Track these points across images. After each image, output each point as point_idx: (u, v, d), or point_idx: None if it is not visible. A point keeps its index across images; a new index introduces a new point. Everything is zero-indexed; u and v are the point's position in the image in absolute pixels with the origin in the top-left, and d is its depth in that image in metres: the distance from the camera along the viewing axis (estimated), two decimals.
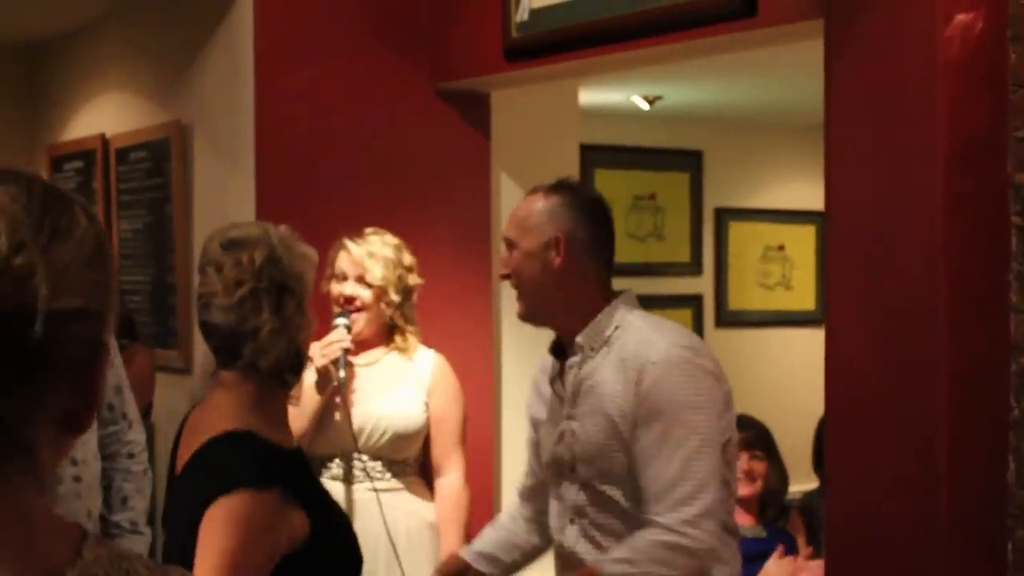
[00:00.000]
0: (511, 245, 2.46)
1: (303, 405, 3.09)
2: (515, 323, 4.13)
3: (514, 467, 3.90)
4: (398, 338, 3.28)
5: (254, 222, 2.13)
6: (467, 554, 2.69)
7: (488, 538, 2.70)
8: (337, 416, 3.17)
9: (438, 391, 3.28)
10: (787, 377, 6.75)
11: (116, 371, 2.92)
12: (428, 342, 3.44)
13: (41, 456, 0.91)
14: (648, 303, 6.98)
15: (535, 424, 2.59)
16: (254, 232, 2.02)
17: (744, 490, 3.93)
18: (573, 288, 2.42)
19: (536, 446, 2.60)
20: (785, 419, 5.49)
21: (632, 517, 2.33)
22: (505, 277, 2.50)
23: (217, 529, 1.82)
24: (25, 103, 5.15)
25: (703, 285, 6.67)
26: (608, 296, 2.44)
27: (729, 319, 6.73)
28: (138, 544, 2.91)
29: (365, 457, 3.18)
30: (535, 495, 2.64)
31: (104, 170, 4.50)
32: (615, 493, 2.36)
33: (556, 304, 2.43)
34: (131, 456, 2.95)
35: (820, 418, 3.69)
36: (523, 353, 4.04)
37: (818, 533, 3.83)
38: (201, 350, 3.93)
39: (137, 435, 2.97)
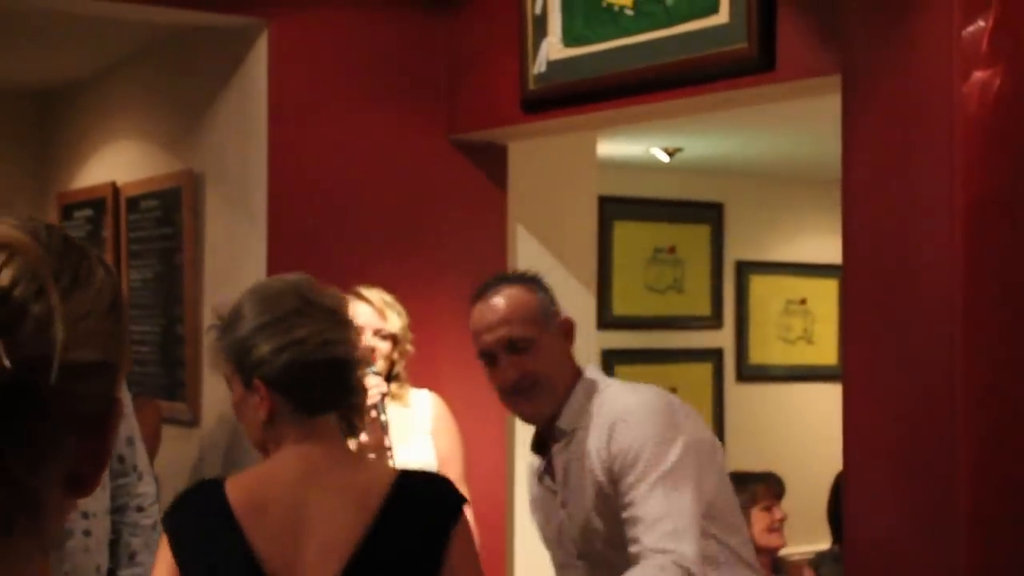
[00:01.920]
0: (526, 344, 2.31)
1: None
2: None
3: (526, 509, 3.91)
4: (394, 387, 3.31)
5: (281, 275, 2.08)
6: None
7: None
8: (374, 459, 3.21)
9: (441, 432, 3.35)
10: (808, 433, 6.74)
11: (128, 422, 2.94)
12: (442, 390, 3.48)
13: (46, 518, 0.87)
14: (668, 357, 6.98)
15: (541, 529, 2.54)
16: (305, 277, 2.02)
17: (779, 540, 3.97)
18: (569, 375, 2.37)
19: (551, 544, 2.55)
20: (806, 475, 5.48)
21: None
22: (513, 384, 2.32)
23: (468, 550, 1.93)
24: (36, 149, 5.23)
25: (724, 339, 6.68)
26: (576, 371, 2.39)
27: (750, 373, 6.74)
28: None
29: None
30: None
31: (114, 218, 4.57)
32: (614, 559, 2.31)
33: (561, 395, 2.34)
34: (140, 509, 2.95)
35: (837, 475, 3.69)
36: None
37: None
38: (210, 402, 3.97)
39: (147, 488, 2.97)
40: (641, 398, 2.30)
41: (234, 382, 1.97)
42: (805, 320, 6.94)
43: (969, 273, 2.24)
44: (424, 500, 1.93)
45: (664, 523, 2.17)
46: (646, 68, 3.20)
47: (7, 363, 0.81)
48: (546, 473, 2.40)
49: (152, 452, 3.42)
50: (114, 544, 2.92)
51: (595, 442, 2.28)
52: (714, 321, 6.65)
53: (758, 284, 6.80)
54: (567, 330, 2.38)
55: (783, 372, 6.85)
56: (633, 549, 2.18)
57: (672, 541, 2.15)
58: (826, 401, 6.91)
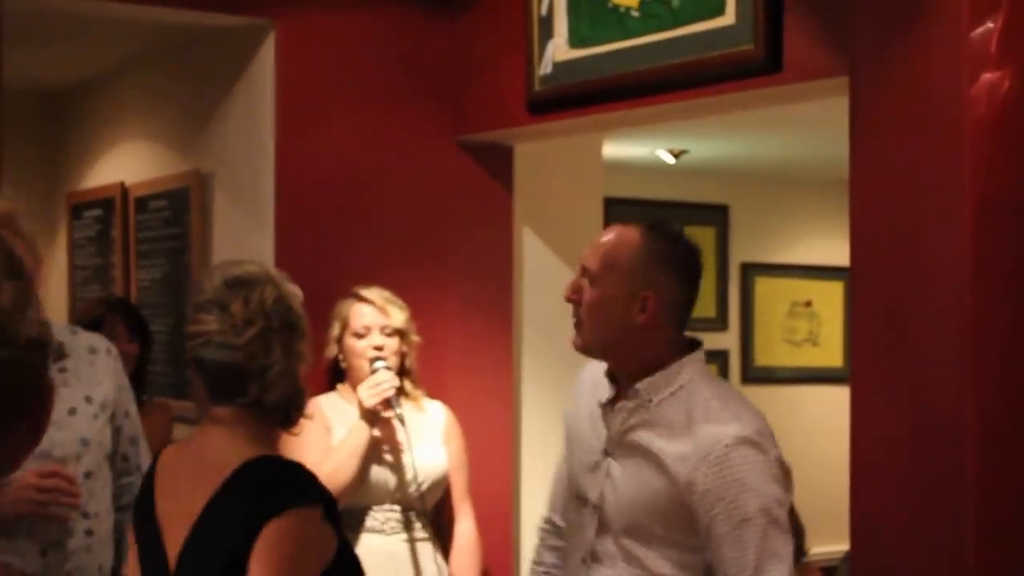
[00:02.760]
0: (590, 277, 2.27)
1: (345, 451, 3.12)
2: (535, 375, 4.15)
3: (533, 518, 3.88)
4: (408, 385, 3.29)
5: (247, 261, 2.14)
6: None
7: None
8: (391, 468, 3.19)
9: (451, 441, 3.34)
10: (814, 434, 6.70)
11: (132, 422, 2.91)
12: (449, 394, 3.46)
13: None
14: None
15: (568, 436, 2.46)
16: (255, 270, 2.07)
17: None
18: (646, 343, 2.26)
19: (567, 466, 2.47)
20: (812, 476, 5.44)
21: (669, 554, 2.24)
22: (572, 302, 2.30)
23: (273, 550, 1.89)
24: (46, 150, 5.21)
25: (729, 341, 6.64)
26: (676, 350, 2.28)
27: (756, 375, 6.70)
28: None
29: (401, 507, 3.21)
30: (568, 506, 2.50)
31: (123, 219, 4.54)
32: (640, 552, 2.27)
33: (619, 350, 2.27)
34: None
35: (841, 559, 3.65)
36: (544, 407, 4.03)
37: None
38: None
39: None
40: (742, 425, 2.18)
41: None
42: (810, 322, 6.90)
43: (978, 275, 2.20)
44: (255, 485, 1.96)
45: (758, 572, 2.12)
46: (652, 70, 3.17)
47: None
48: (610, 407, 2.32)
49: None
50: (119, 542, 2.89)
51: (678, 444, 2.19)
52: (719, 323, 6.62)
53: (763, 286, 6.76)
54: (644, 303, 2.23)
55: (789, 374, 6.81)
56: None
57: None
58: (832, 403, 6.87)
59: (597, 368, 2.40)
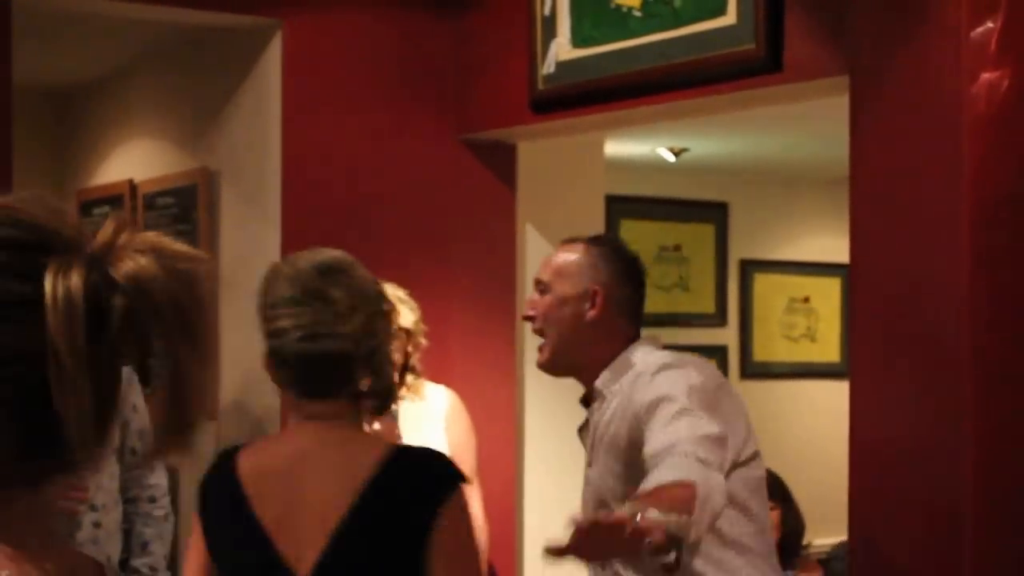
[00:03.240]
0: (544, 288, 2.42)
1: None
2: (539, 376, 4.14)
3: (535, 510, 3.90)
4: (410, 379, 3.30)
5: (319, 248, 2.01)
6: None
7: None
8: None
9: (454, 426, 3.35)
10: (812, 429, 6.71)
11: (140, 416, 2.94)
12: (453, 387, 3.47)
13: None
14: None
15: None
16: (340, 255, 1.97)
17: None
18: (600, 342, 2.38)
19: None
20: (809, 470, 5.45)
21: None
22: (529, 319, 2.45)
23: (458, 528, 1.89)
24: (56, 147, 5.21)
25: (728, 336, 6.65)
26: (618, 342, 2.40)
27: (754, 371, 6.70)
28: None
29: None
30: None
31: (132, 215, 4.55)
32: None
33: (580, 355, 2.39)
34: (152, 500, 2.96)
35: (834, 546, 3.63)
36: (546, 401, 4.04)
37: None
38: (227, 395, 3.95)
39: (159, 479, 2.98)
40: (673, 358, 2.30)
41: None
42: (808, 318, 6.90)
43: (976, 272, 2.21)
44: (414, 475, 1.91)
45: (689, 437, 2.04)
46: (654, 69, 3.17)
47: None
48: (584, 430, 2.43)
49: None
50: (127, 534, 2.93)
51: (621, 400, 2.29)
52: (718, 319, 6.62)
53: (762, 282, 6.76)
54: (592, 296, 2.37)
55: (787, 369, 6.81)
56: (652, 447, 2.08)
57: (690, 445, 2.02)
58: (829, 398, 6.87)
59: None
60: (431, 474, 1.92)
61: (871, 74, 2.46)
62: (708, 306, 6.58)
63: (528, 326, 3.96)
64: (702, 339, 6.49)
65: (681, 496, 1.86)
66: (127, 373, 2.90)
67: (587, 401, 2.46)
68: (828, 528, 4.27)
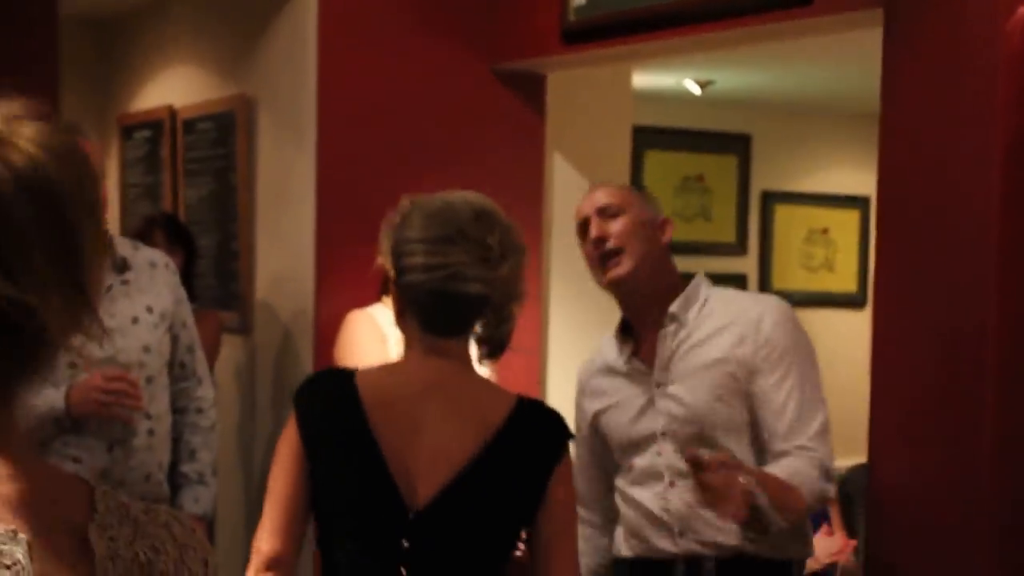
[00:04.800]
0: (615, 212, 2.38)
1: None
2: (564, 301, 4.13)
3: None
4: None
5: (464, 191, 1.96)
6: None
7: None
8: None
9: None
10: (829, 355, 6.66)
11: (189, 331, 2.97)
12: None
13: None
14: None
15: (595, 417, 2.50)
16: (488, 201, 1.94)
17: None
18: (669, 270, 2.43)
19: (593, 440, 2.51)
20: (826, 396, 5.43)
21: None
22: (601, 242, 2.36)
23: (568, 487, 1.91)
24: (98, 75, 5.18)
25: (748, 265, 6.61)
26: (683, 279, 2.45)
27: None
28: (204, 493, 2.97)
29: None
30: (602, 496, 2.54)
31: (171, 140, 4.52)
32: (726, 443, 2.32)
33: (655, 275, 2.39)
34: (200, 411, 2.99)
35: (848, 469, 3.60)
36: (570, 328, 4.02)
37: (853, 509, 3.78)
38: (261, 311, 3.95)
39: (206, 392, 3.01)
40: (772, 300, 2.42)
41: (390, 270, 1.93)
42: (827, 249, 6.84)
43: (1006, 206, 2.15)
44: (538, 430, 1.91)
45: (804, 429, 2.26)
46: (684, 1, 3.10)
47: None
48: (634, 356, 2.42)
49: (211, 360, 3.45)
50: (176, 442, 2.97)
51: (725, 333, 2.32)
52: (739, 248, 6.57)
53: (782, 213, 6.70)
54: (663, 225, 2.41)
55: (804, 298, 6.76)
56: (778, 447, 2.27)
57: (811, 443, 2.25)
58: (845, 326, 6.85)
59: (596, 351, 2.54)
60: (552, 431, 1.92)
61: (906, 7, 2.39)
62: (729, 236, 6.53)
63: (554, 250, 3.98)
64: (722, 268, 6.45)
65: (790, 502, 2.13)
66: (178, 292, 2.94)
67: (626, 329, 2.45)
68: (844, 450, 4.25)
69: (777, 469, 2.20)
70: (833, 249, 6.85)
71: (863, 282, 6.89)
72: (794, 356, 2.31)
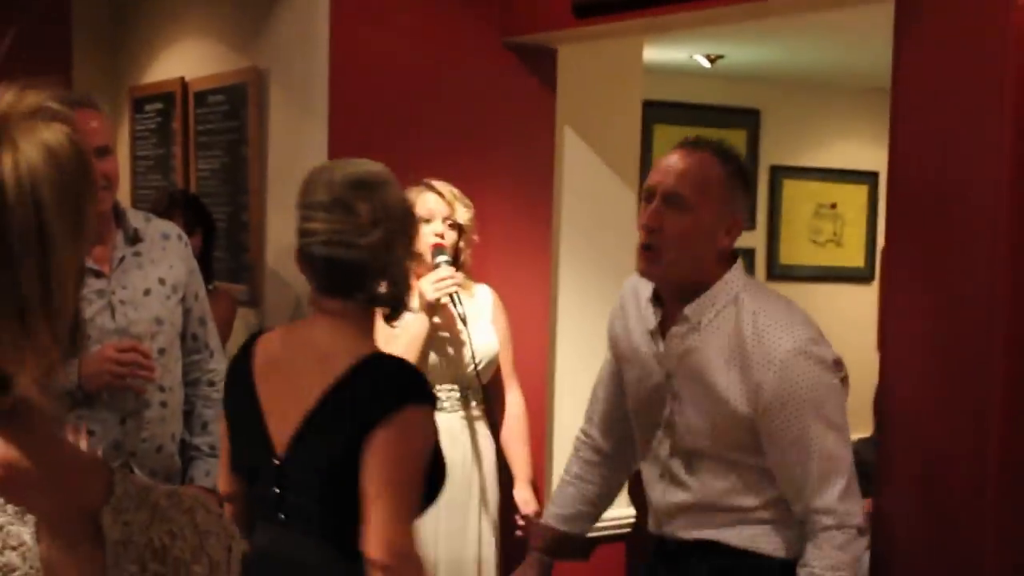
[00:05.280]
0: (681, 204, 2.13)
1: (408, 337, 3.11)
2: (573, 271, 4.13)
3: (566, 407, 3.90)
4: (460, 276, 3.29)
5: (362, 160, 2.06)
6: (553, 521, 2.56)
7: (567, 496, 2.57)
8: (450, 350, 3.23)
9: (499, 320, 3.41)
10: (835, 330, 6.66)
11: (202, 304, 2.96)
12: (491, 284, 3.49)
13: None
14: None
15: (619, 355, 2.39)
16: (377, 170, 2.02)
17: None
18: (714, 266, 2.20)
19: (616, 378, 2.43)
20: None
21: (735, 471, 2.24)
22: (649, 231, 2.15)
23: (393, 444, 1.89)
24: (110, 46, 5.16)
25: (756, 239, 6.59)
26: (722, 264, 2.21)
27: (780, 273, 6.66)
28: (216, 466, 2.96)
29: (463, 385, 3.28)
30: (614, 427, 2.49)
31: (183, 112, 4.51)
32: (706, 471, 2.25)
33: (690, 275, 2.18)
34: (211, 384, 2.99)
35: (857, 440, 3.57)
36: (579, 301, 4.02)
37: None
38: (270, 284, 3.95)
39: (218, 364, 3.00)
40: (793, 338, 2.13)
41: None
42: (835, 224, 6.83)
43: (1017, 183, 2.14)
44: (374, 384, 1.94)
45: (828, 487, 2.11)
46: None
47: None
48: (659, 334, 2.26)
49: (223, 338, 3.43)
50: (188, 415, 2.97)
51: (734, 360, 2.14)
52: (747, 223, 6.55)
53: (791, 188, 6.68)
54: (731, 227, 2.18)
55: (811, 272, 6.76)
56: (810, 503, 2.13)
57: (839, 503, 2.11)
58: (852, 301, 6.84)
59: (639, 282, 2.32)
60: (386, 388, 1.94)
61: None
62: None
63: (564, 223, 3.96)
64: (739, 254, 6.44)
65: None
66: (190, 263, 2.93)
67: (657, 299, 2.29)
68: (852, 425, 4.25)
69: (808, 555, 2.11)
70: (841, 224, 6.84)
71: (871, 257, 6.87)
72: (810, 414, 2.12)
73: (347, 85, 3.61)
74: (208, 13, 4.45)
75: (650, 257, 2.17)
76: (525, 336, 3.70)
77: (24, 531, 0.82)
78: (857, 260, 6.86)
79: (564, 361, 3.98)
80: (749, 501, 2.22)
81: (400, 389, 1.94)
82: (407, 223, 2.02)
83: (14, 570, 0.80)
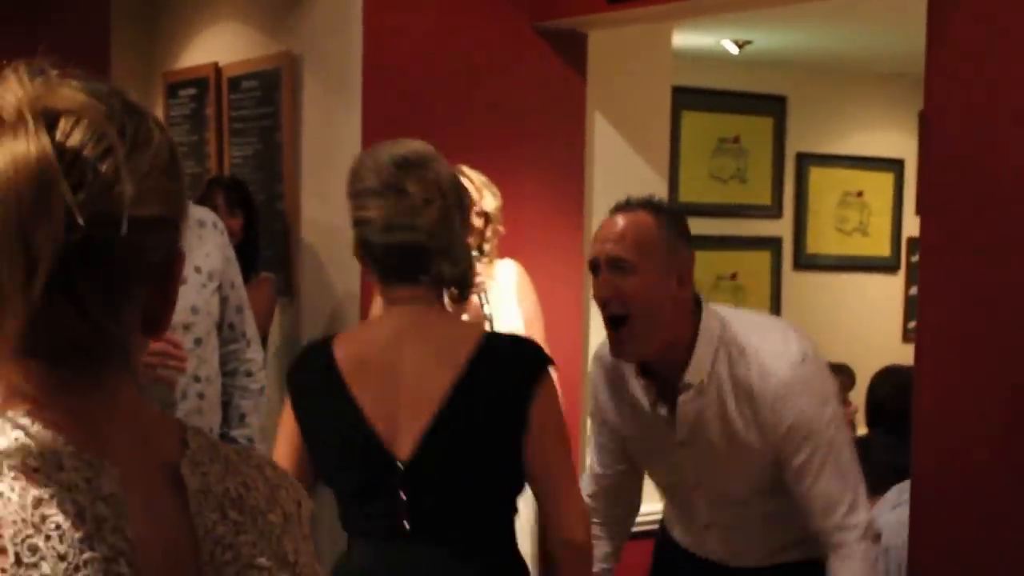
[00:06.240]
0: (627, 268, 2.10)
1: None
2: None
3: None
4: (479, 265, 3.29)
5: (407, 139, 1.98)
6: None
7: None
8: None
9: (525, 300, 3.37)
10: (861, 319, 6.66)
11: (238, 292, 2.91)
12: (523, 264, 3.48)
13: (133, 355, 0.92)
14: (729, 244, 6.92)
15: (613, 431, 2.36)
16: (420, 148, 1.94)
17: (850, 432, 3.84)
18: (680, 320, 2.16)
19: (609, 450, 2.39)
20: (857, 361, 5.42)
21: (776, 512, 2.27)
22: (605, 302, 2.13)
23: (551, 408, 1.90)
24: (144, 32, 5.18)
25: (782, 228, 6.57)
26: (692, 316, 2.17)
27: (806, 262, 6.64)
28: None
29: None
30: (615, 494, 2.43)
31: (217, 98, 4.53)
32: (753, 500, 2.27)
33: (663, 337, 2.14)
34: (249, 374, 2.94)
35: (875, 373, 3.55)
36: None
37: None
38: (307, 272, 3.98)
39: (255, 354, 2.95)
40: (784, 364, 2.13)
41: None
42: (861, 212, 6.80)
43: None
44: (509, 359, 1.91)
45: (841, 502, 2.14)
46: None
47: (80, 220, 0.82)
48: (661, 404, 2.23)
49: (263, 328, 3.39)
50: (226, 406, 2.92)
51: (745, 406, 2.15)
52: (774, 210, 6.54)
53: (817, 176, 6.65)
54: (683, 276, 2.14)
55: (838, 262, 6.74)
56: (821, 524, 2.15)
57: (852, 516, 2.13)
58: (877, 290, 6.82)
59: (606, 353, 2.29)
60: (524, 358, 1.92)
61: None
62: (764, 198, 6.49)
63: (596, 207, 3.97)
64: (757, 230, 6.43)
65: None
66: (227, 251, 2.89)
67: (646, 371, 2.25)
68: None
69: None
70: (867, 212, 6.81)
71: (896, 246, 6.85)
72: (818, 432, 2.12)
73: (380, 70, 3.63)
74: None
75: (620, 338, 2.14)
76: (558, 323, 3.71)
77: (112, 483, 0.85)
78: (883, 249, 6.84)
79: (597, 343, 3.98)
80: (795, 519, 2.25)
81: (533, 360, 1.92)
82: (460, 196, 1.95)
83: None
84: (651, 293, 2.11)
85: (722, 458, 2.21)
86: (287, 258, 4.06)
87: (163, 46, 5.07)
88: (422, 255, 1.90)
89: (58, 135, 0.84)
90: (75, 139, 0.84)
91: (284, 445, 1.97)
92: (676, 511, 2.44)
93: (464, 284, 1.96)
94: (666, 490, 2.46)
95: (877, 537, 2.17)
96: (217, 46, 4.60)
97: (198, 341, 2.74)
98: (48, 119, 0.84)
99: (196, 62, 4.74)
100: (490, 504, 1.91)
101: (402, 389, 1.88)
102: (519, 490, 1.95)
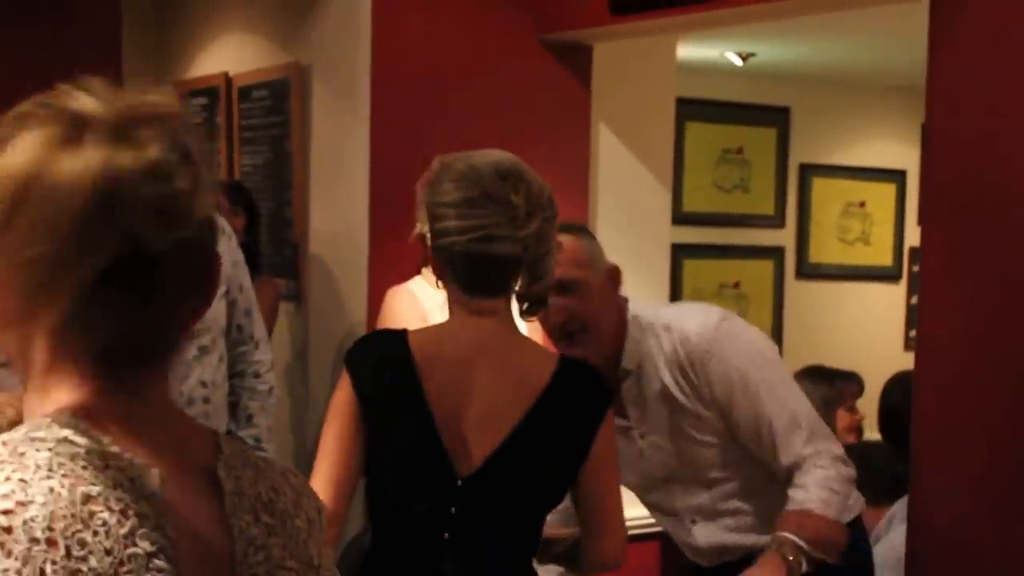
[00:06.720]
0: (573, 286, 2.22)
1: None
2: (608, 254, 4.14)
3: None
4: None
5: (496, 150, 1.91)
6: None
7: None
8: None
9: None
10: (863, 329, 6.68)
11: (247, 295, 2.94)
12: None
13: (174, 361, 0.96)
14: (732, 253, 6.94)
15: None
16: (517, 160, 1.89)
17: (856, 439, 3.86)
18: (621, 317, 2.33)
19: None
20: (859, 369, 5.44)
21: (752, 486, 2.32)
22: (560, 325, 2.24)
23: (610, 445, 1.93)
24: (154, 41, 5.23)
25: (785, 238, 6.60)
26: (624, 315, 2.33)
27: (809, 271, 6.67)
28: None
29: None
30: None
31: (227, 106, 4.57)
32: (725, 477, 2.33)
33: (612, 331, 2.30)
34: (257, 376, 2.97)
35: (887, 380, 3.57)
36: None
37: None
38: (315, 279, 4.01)
39: (264, 356, 2.98)
40: (695, 323, 2.26)
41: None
42: (863, 222, 6.82)
43: None
44: (581, 390, 1.91)
45: (795, 433, 2.19)
46: None
47: (160, 224, 0.87)
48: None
49: (268, 327, 3.43)
50: (234, 407, 2.95)
51: (677, 377, 2.25)
52: (777, 220, 6.57)
53: (820, 186, 6.68)
54: (614, 276, 2.31)
55: (840, 271, 6.76)
56: (784, 461, 2.21)
57: (811, 445, 2.18)
58: (879, 299, 6.84)
59: None
60: (595, 390, 1.93)
61: None
62: (767, 208, 6.52)
63: (600, 218, 4.00)
64: (760, 240, 6.45)
65: (834, 540, 2.12)
66: (235, 255, 2.92)
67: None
68: (870, 427, 4.27)
69: (806, 499, 2.15)
70: (870, 222, 6.83)
71: (898, 256, 6.87)
72: (754, 382, 2.22)
73: (389, 81, 3.66)
74: (251, 9, 4.52)
75: (579, 340, 2.24)
76: None
77: (154, 484, 0.89)
78: (885, 259, 6.86)
79: None
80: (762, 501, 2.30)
81: (602, 393, 1.94)
82: (554, 212, 1.90)
83: None
84: (598, 301, 2.25)
85: (679, 438, 2.30)
86: (295, 264, 4.09)
87: (174, 56, 5.11)
88: (513, 268, 1.87)
89: (141, 143, 0.88)
90: (156, 147, 0.88)
91: (340, 425, 1.89)
92: (662, 520, 2.48)
93: (541, 301, 1.93)
94: (642, 495, 2.48)
95: (845, 460, 2.20)
96: (227, 56, 4.64)
97: (203, 349, 2.77)
98: (132, 126, 0.88)
99: (207, 72, 4.78)
100: (532, 524, 1.93)
101: (474, 405, 1.86)
102: (556, 505, 1.97)
